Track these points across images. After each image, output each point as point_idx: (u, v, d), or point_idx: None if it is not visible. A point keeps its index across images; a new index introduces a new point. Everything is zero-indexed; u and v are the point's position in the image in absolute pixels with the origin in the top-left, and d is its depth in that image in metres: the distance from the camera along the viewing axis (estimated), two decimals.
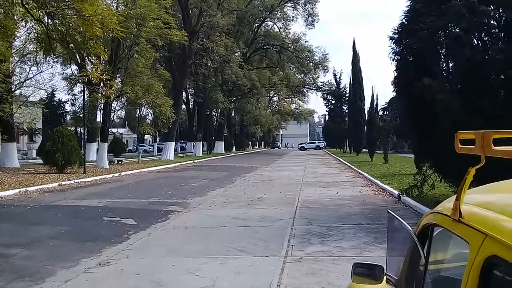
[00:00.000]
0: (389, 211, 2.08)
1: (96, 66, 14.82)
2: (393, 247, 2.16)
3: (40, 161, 23.02)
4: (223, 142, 54.63)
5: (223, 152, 51.57)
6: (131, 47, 27.11)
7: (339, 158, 35.96)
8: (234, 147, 61.70)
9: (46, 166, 21.32)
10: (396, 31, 10.54)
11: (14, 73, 26.96)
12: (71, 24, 8.67)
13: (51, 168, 20.79)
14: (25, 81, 27.99)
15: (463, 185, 1.38)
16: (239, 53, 47.92)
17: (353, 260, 5.85)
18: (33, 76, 28.89)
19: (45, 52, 9.80)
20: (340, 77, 57.63)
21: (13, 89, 26.56)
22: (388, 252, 2.12)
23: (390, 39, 10.63)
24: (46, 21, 9.37)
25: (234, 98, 55.08)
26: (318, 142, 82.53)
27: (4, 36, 10.39)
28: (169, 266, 5.86)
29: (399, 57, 10.56)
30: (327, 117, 70.95)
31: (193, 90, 51.04)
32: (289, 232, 7.76)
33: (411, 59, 10.38)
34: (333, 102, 59.14)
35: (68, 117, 60.01)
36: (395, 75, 10.81)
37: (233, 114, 63.73)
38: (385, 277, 1.92)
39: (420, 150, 11.61)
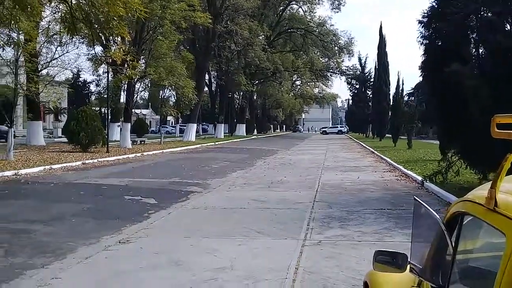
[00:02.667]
0: (416, 197, 1.97)
1: (119, 47, 14.83)
2: (418, 235, 2.05)
3: (65, 139, 23.44)
4: (245, 125, 54.62)
5: (245, 134, 51.60)
6: (155, 28, 27.14)
7: (361, 143, 35.52)
8: (255, 130, 61.71)
9: (71, 145, 21.73)
10: (426, 14, 10.19)
11: (41, 53, 27.37)
12: (94, 3, 8.66)
13: (75, 147, 21.18)
14: (51, 61, 28.30)
15: (500, 173, 1.26)
16: (263, 36, 47.41)
17: (373, 245, 5.76)
18: (59, 57, 29.17)
19: (70, 32, 9.82)
20: (365, 62, 56.58)
21: (39, 69, 27.01)
22: (412, 240, 2.02)
23: (419, 22, 10.29)
24: (70, 0, 9.38)
25: (257, 81, 54.82)
26: (341, 127, 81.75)
27: (30, 16, 10.47)
28: (188, 246, 5.87)
29: (427, 41, 10.23)
30: (350, 101, 70.17)
31: (216, 73, 50.97)
32: (309, 215, 7.68)
33: (440, 43, 10.05)
34: (357, 86, 58.27)
35: (93, 97, 60.98)
36: (423, 59, 10.49)
37: (255, 97, 63.48)
38: (408, 266, 1.83)
39: (445, 136, 11.29)
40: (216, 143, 34.45)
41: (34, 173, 13.32)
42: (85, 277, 4.76)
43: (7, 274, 4.70)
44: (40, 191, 10.44)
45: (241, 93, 54.45)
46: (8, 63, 18.17)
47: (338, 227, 6.76)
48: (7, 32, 14.95)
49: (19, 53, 17.87)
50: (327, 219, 7.35)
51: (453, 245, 1.53)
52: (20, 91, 19.79)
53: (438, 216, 1.71)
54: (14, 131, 18.36)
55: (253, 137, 50.60)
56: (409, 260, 1.85)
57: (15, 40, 15.59)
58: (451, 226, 1.61)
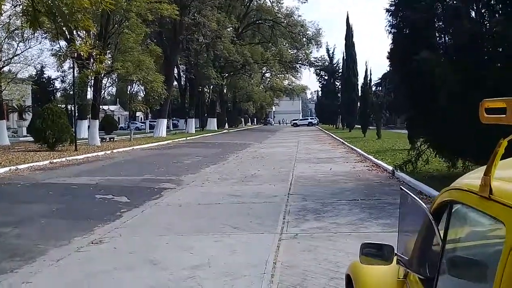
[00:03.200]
0: (402, 188, 1.96)
1: (85, 40, 14.41)
2: (405, 226, 2.05)
3: (31, 138, 22.70)
4: (216, 119, 54.29)
5: (216, 129, 51.33)
6: (121, 22, 26.51)
7: (332, 134, 35.95)
8: (226, 124, 61.45)
9: (37, 144, 21.05)
10: (393, 3, 10.32)
11: (2, 49, 26.36)
12: None
13: (42, 146, 20.54)
14: (12, 57, 27.40)
15: (493, 159, 1.24)
16: (231, 28, 47.10)
17: (349, 236, 5.83)
18: (21, 53, 28.29)
19: (32, 26, 9.43)
20: (333, 53, 57.15)
21: (0, 66, 26.02)
22: (399, 231, 2.01)
23: (386, 11, 10.41)
24: None
25: (227, 74, 54.54)
26: (311, 119, 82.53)
27: None
28: (163, 244, 5.78)
29: (395, 30, 10.37)
30: (319, 93, 70.73)
31: (185, 66, 50.37)
32: (284, 208, 7.70)
33: (407, 31, 10.19)
34: (326, 78, 58.79)
35: (58, 94, 59.28)
36: (391, 48, 10.64)
37: (225, 91, 63.16)
38: (395, 258, 1.82)
39: (414, 125, 11.52)
40: (188, 138, 34.14)
41: None
42: (57, 280, 4.63)
43: None
44: (7, 193, 10.08)
45: (211, 87, 54.05)
46: None
47: (313, 220, 6.80)
48: None
49: None
50: (303, 211, 7.38)
51: (442, 235, 1.52)
52: None
53: (425, 206, 1.70)
54: None
55: (225, 131, 50.43)
56: (395, 251, 1.84)
57: None
58: (439, 216, 1.60)
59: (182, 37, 37.75)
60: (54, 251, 5.55)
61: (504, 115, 1.23)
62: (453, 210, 1.51)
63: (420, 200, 1.69)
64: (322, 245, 5.47)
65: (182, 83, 54.63)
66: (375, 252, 1.85)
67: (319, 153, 19.31)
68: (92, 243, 5.87)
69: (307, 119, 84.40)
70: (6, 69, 28.06)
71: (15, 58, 27.50)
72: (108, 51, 27.72)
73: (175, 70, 46.53)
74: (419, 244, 1.69)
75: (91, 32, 24.16)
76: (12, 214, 7.71)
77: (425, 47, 8.78)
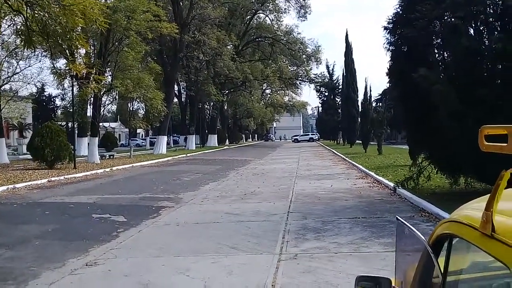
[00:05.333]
0: (398, 217, 1.84)
1: (80, 60, 14.42)
2: (402, 257, 1.92)
3: (30, 156, 22.59)
4: (216, 135, 54.29)
5: (216, 145, 51.27)
6: (120, 40, 26.65)
7: (332, 150, 35.83)
8: (227, 140, 61.43)
9: (36, 162, 20.93)
10: (391, 20, 10.32)
11: (2, 68, 26.45)
12: (51, 14, 8.31)
13: (41, 164, 20.42)
14: (12, 75, 27.49)
15: (495, 193, 1.10)
16: (231, 45, 47.47)
17: (350, 256, 5.67)
18: (21, 71, 28.39)
19: (26, 45, 9.41)
20: (333, 69, 57.38)
21: (0, 84, 26.08)
22: (396, 263, 1.89)
23: (384, 29, 10.42)
24: (25, 11, 8.99)
25: (227, 91, 54.75)
26: (312, 134, 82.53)
27: None
28: (159, 265, 5.62)
29: (393, 48, 10.35)
30: (320, 109, 70.85)
31: (185, 83, 50.58)
32: (284, 227, 7.54)
33: (406, 49, 10.17)
34: (326, 94, 58.95)
35: (59, 111, 59.41)
36: (390, 65, 10.61)
37: (226, 107, 63.32)
38: None
39: (414, 142, 11.42)
40: (188, 154, 34.03)
41: None
42: None
43: None
44: (2, 213, 9.93)
45: (212, 104, 54.17)
46: None
47: (313, 239, 6.65)
48: None
49: None
50: (302, 230, 7.23)
51: (442, 270, 1.41)
52: None
53: (423, 238, 1.59)
54: None
55: (225, 147, 50.35)
56: (393, 285, 1.73)
57: None
58: (438, 248, 1.49)
59: (182, 54, 37.98)
60: (47, 273, 5.40)
61: (506, 144, 1.12)
62: (453, 243, 1.40)
63: (418, 232, 1.58)
64: (322, 266, 5.31)
65: (182, 99, 54.80)
66: (372, 286, 1.73)
67: (319, 169, 19.18)
68: (86, 265, 5.72)
69: (308, 134, 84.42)
70: (6, 87, 28.15)
71: (15, 76, 27.60)
72: (108, 68, 27.85)
73: (176, 87, 46.72)
74: (418, 277, 1.57)
75: (90, 50, 24.28)
76: (6, 235, 7.56)
77: (424, 64, 8.75)
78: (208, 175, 17.52)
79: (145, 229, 7.95)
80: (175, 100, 50.55)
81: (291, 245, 6.31)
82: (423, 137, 9.66)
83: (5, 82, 26.44)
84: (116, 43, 26.59)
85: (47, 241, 7.19)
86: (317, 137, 76.88)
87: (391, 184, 11.84)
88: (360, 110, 37.06)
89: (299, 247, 6.20)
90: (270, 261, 5.57)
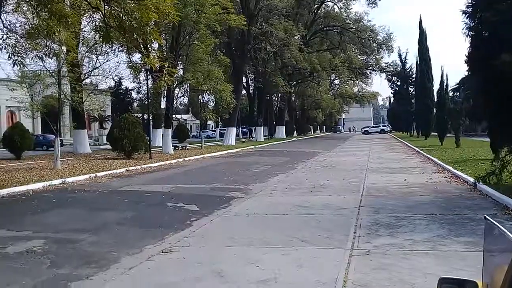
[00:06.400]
0: (487, 216, 1.69)
1: (154, 54, 15.02)
2: (491, 261, 1.77)
3: (110, 147, 24.04)
4: (284, 127, 54.32)
5: (284, 137, 51.32)
6: (191, 33, 27.42)
7: (406, 142, 34.47)
8: (295, 131, 61.29)
9: (115, 152, 22.24)
10: (470, 4, 9.64)
11: (83, 62, 28.24)
12: (126, 10, 8.71)
13: (119, 154, 21.66)
14: (92, 70, 29.24)
15: None
16: (299, 36, 47.01)
17: (426, 255, 5.41)
18: (100, 66, 30.12)
19: (104, 41, 9.95)
20: (405, 57, 55.14)
21: (82, 78, 27.87)
22: (484, 265, 1.74)
23: (463, 13, 9.74)
24: (103, 8, 9.47)
25: (295, 82, 54.43)
26: (383, 126, 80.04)
27: (67, 26, 10.71)
28: (231, 255, 5.73)
29: (473, 33, 9.67)
30: (392, 99, 68.42)
31: (253, 75, 50.99)
32: (355, 222, 7.37)
33: (487, 34, 9.47)
34: (398, 83, 56.72)
35: (135, 104, 62.54)
36: (469, 52, 9.93)
37: (293, 98, 63.07)
38: None
39: (497, 134, 10.62)
40: (256, 146, 34.39)
41: (80, 181, 13.66)
42: None
43: (52, 286, 4.72)
44: (86, 200, 10.65)
45: (279, 95, 54.22)
46: (52, 73, 18.76)
47: (387, 235, 6.42)
48: (46, 43, 15.37)
49: (61, 64, 18.44)
50: (375, 226, 7.01)
51: None
52: (65, 100, 20.43)
53: None
54: (61, 140, 18.97)
55: (293, 139, 50.26)
56: None
57: (55, 51, 16.02)
58: None
59: (250, 46, 38.31)
60: (126, 259, 5.69)
61: None
62: None
63: (509, 233, 1.43)
64: (396, 263, 5.12)
65: (250, 91, 55.38)
66: None
67: (392, 162, 18.52)
68: (162, 252, 5.95)
69: (379, 126, 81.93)
70: (87, 81, 30.01)
71: (95, 70, 29.32)
72: (180, 62, 28.75)
73: (244, 79, 47.22)
74: (508, 281, 1.43)
75: (163, 44, 25.19)
76: (89, 221, 8.09)
77: (507, 49, 8.08)
78: (276, 167, 17.58)
79: (216, 218, 8.14)
80: (244, 92, 51.18)
81: (363, 241, 6.15)
82: (507, 128, 8.96)
83: (86, 76, 28.17)
84: (187, 36, 27.41)
85: (125, 227, 7.59)
86: (388, 129, 74.36)
87: (471, 179, 11.14)
88: (435, 100, 35.20)
89: (371, 243, 6.03)
90: (341, 256, 5.46)
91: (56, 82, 18.53)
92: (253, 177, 14.47)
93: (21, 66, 11.62)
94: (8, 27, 11.79)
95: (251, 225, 7.56)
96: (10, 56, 10.45)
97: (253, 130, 48.38)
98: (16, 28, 13.22)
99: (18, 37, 11.03)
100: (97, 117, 45.47)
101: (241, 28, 32.56)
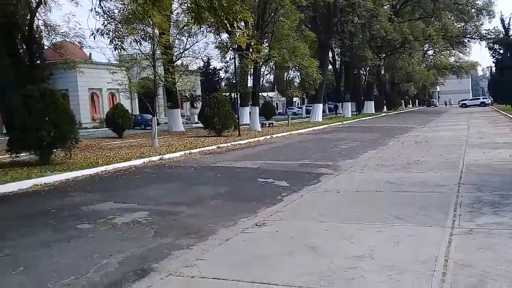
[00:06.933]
0: None
1: (242, 32, 15.20)
2: None
3: (201, 125, 25.08)
4: (373, 102, 52.53)
5: (373, 112, 49.72)
6: (276, 10, 27.30)
7: (510, 116, 31.59)
8: (385, 106, 59.00)
9: (206, 130, 23.18)
10: None
11: (174, 45, 29.50)
12: None
13: (210, 132, 22.56)
14: (183, 51, 30.45)
15: None
16: (388, 5, 44.69)
17: None
18: (190, 47, 31.23)
19: (196, 22, 10.25)
20: (509, 23, 49.78)
21: (174, 60, 29.15)
22: None
23: None
24: None
25: (384, 55, 52.17)
26: (483, 98, 73.89)
27: (160, 10, 11.21)
28: (323, 230, 5.73)
29: None
30: (493, 69, 62.70)
31: (339, 49, 49.65)
32: (455, 199, 6.95)
33: None
34: (501, 52, 51.68)
35: (223, 83, 64.32)
36: None
37: (383, 72, 60.54)
38: None
39: None
40: (344, 122, 33.72)
41: (176, 157, 14.46)
42: (226, 259, 4.91)
43: (157, 254, 5.08)
44: (182, 175, 11.26)
45: (368, 69, 52.34)
46: (147, 56, 19.85)
47: (491, 214, 5.99)
48: (143, 27, 16.25)
49: (155, 47, 19.41)
50: (477, 204, 6.56)
51: None
52: (159, 82, 21.58)
53: None
54: (157, 119, 20.17)
55: (383, 114, 48.46)
56: None
57: (150, 34, 16.91)
58: None
59: (336, 19, 37.24)
60: (222, 230, 5.94)
61: None
62: None
63: None
64: (503, 243, 4.77)
65: (337, 66, 54.09)
66: None
67: (495, 137, 17.10)
68: (256, 225, 6.13)
69: (479, 98, 75.80)
70: (178, 62, 31.34)
71: (185, 52, 30.48)
72: (265, 39, 28.85)
73: (330, 54, 46.18)
74: None
75: (249, 23, 25.40)
76: (186, 195, 8.55)
77: None
78: (366, 143, 17.12)
79: (306, 194, 8.17)
80: (330, 67, 50.14)
81: (465, 219, 5.79)
82: None
83: (177, 58, 29.44)
84: (272, 13, 27.34)
85: (220, 201, 7.92)
86: (489, 101, 68.49)
87: None
88: None
89: (474, 222, 5.66)
90: (440, 235, 5.21)
91: (151, 65, 19.59)
92: (342, 153, 14.24)
93: (121, 50, 12.46)
94: (107, 13, 12.60)
95: (342, 202, 7.48)
96: (111, 41, 11.26)
97: (340, 106, 47.42)
98: (115, 14, 14.14)
99: (117, 23, 11.78)
100: (188, 97, 47.52)
101: (327, 1, 31.71)
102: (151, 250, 5.25)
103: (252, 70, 29.35)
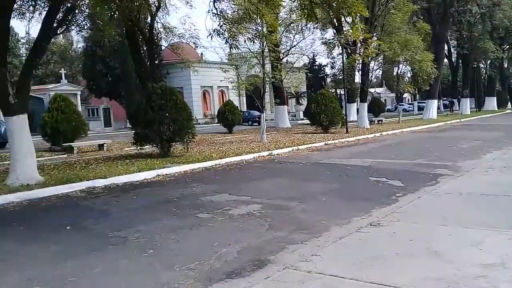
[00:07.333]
0: None
1: (356, 26, 14.83)
2: None
3: (307, 122, 25.11)
4: (495, 97, 47.97)
5: (495, 109, 45.44)
6: (387, 2, 26.25)
7: None
8: (509, 103, 53.55)
9: (313, 127, 23.15)
10: None
11: (281, 42, 29.80)
12: None
13: (317, 128, 22.48)
14: (290, 49, 30.63)
15: None
16: None
17: None
18: (297, 44, 31.33)
19: (308, 19, 10.24)
20: None
21: (281, 57, 29.49)
22: None
23: None
24: None
25: (507, 46, 47.22)
26: None
27: (271, 8, 11.41)
28: (445, 235, 5.36)
29: None
30: None
31: (456, 41, 46.12)
32: None
33: None
34: None
35: (328, 79, 63.58)
36: None
37: (506, 65, 54.89)
38: None
39: None
40: (462, 120, 31.37)
41: (284, 153, 14.66)
42: (341, 257, 4.84)
43: (272, 246, 5.19)
44: (291, 170, 11.37)
45: (488, 62, 47.89)
46: (255, 55, 20.34)
47: None
48: (255, 26, 16.67)
49: (264, 44, 19.81)
50: None
51: None
52: (267, 79, 22.01)
53: None
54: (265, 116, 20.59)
55: (507, 111, 44.05)
56: None
57: (261, 33, 17.30)
58: None
59: (453, 9, 34.65)
60: (335, 228, 5.87)
61: None
62: None
63: None
64: None
65: (453, 60, 50.34)
66: None
67: None
68: (370, 225, 5.95)
69: None
70: (284, 60, 31.62)
71: (292, 49, 30.62)
72: (374, 33, 27.86)
73: (445, 47, 43.12)
74: None
75: (357, 18, 24.77)
76: (296, 190, 8.61)
77: None
78: (489, 143, 15.68)
79: (424, 195, 7.72)
80: (445, 61, 46.81)
81: None
82: None
83: (284, 55, 29.72)
84: (382, 6, 26.32)
85: (331, 198, 7.84)
86: None
87: None
88: None
89: None
90: None
91: (259, 63, 20.06)
92: (461, 153, 13.22)
93: (235, 48, 12.94)
94: (221, 14, 13.15)
95: (466, 205, 6.93)
96: (227, 40, 11.75)
97: (456, 102, 44.08)
98: (228, 15, 14.72)
99: (231, 23, 12.26)
100: (293, 93, 47.82)
101: None
102: (267, 242, 5.38)
103: (360, 65, 28.54)
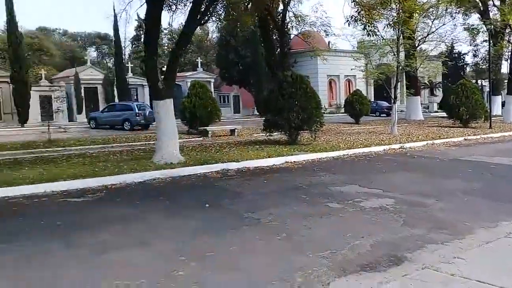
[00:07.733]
0: None
1: (509, 8, 13.22)
2: None
3: (441, 114, 23.37)
4: None
5: None
6: None
7: None
8: None
9: (450, 120, 21.46)
10: None
11: (417, 29, 27.89)
12: None
13: (455, 122, 20.80)
14: (427, 35, 28.54)
15: None
16: None
17: None
18: (435, 30, 29.06)
19: (457, 2, 9.38)
20: None
21: (416, 45, 27.67)
22: None
23: None
24: None
25: None
26: None
27: None
28: None
29: None
30: None
31: None
32: None
33: None
34: None
35: (468, 69, 58.10)
36: None
37: None
38: None
39: None
40: None
41: (417, 147, 13.85)
42: (489, 262, 4.41)
43: (409, 243, 4.93)
44: (426, 165, 10.69)
45: None
46: (388, 42, 19.37)
47: None
48: (390, 13, 15.85)
49: (400, 31, 18.74)
50: None
51: None
52: (400, 68, 20.85)
53: None
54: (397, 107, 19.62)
55: None
56: None
57: (400, 18, 16.42)
58: None
59: None
60: (480, 231, 5.37)
61: None
62: None
63: None
64: None
65: None
66: None
67: None
68: None
69: None
70: (419, 47, 29.58)
71: (429, 36, 28.51)
72: None
73: None
74: None
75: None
76: (432, 187, 8.04)
77: None
78: None
79: None
80: None
81: None
82: None
83: (421, 42, 27.84)
84: None
85: (473, 198, 7.17)
86: None
87: None
88: None
89: None
90: None
91: (392, 51, 19.09)
92: None
93: (374, 35, 12.45)
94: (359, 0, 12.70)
95: None
96: (365, 26, 11.37)
97: None
98: (364, 1, 14.17)
99: (367, 9, 11.78)
100: (427, 83, 44.76)
101: None
102: (402, 238, 5.13)
103: (510, 53, 25.54)
